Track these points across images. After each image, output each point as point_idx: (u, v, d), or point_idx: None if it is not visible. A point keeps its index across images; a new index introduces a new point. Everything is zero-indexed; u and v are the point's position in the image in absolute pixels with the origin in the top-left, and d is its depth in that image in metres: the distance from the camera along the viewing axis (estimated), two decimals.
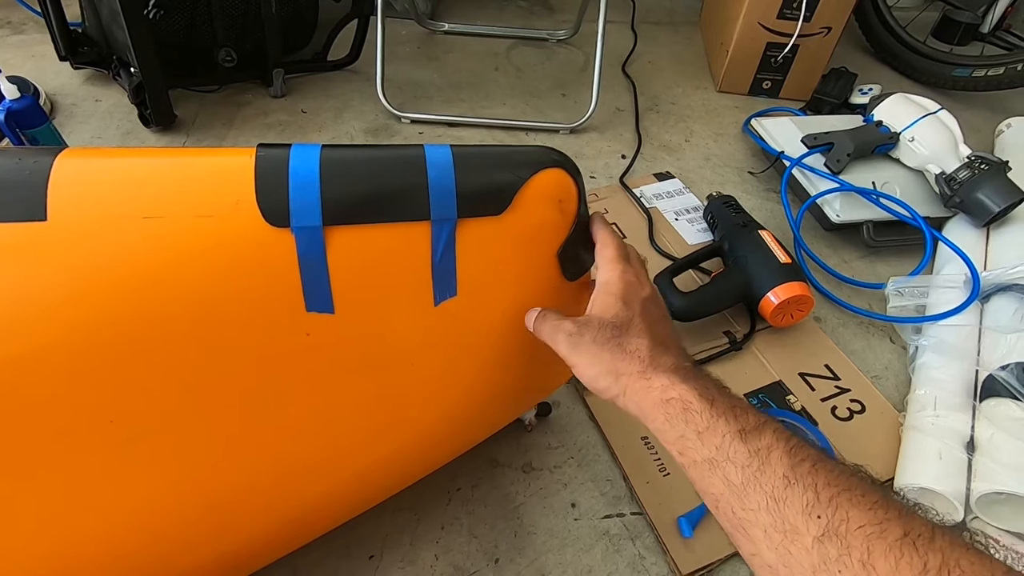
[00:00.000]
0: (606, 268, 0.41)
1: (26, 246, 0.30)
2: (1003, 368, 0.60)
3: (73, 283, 0.31)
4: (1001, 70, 1.08)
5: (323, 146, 0.37)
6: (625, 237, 0.83)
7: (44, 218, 0.31)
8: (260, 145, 0.36)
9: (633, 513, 0.56)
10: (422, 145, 0.39)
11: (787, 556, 0.27)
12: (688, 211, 0.88)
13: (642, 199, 0.89)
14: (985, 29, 1.29)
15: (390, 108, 0.99)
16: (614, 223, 0.85)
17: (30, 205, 0.31)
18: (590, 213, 0.44)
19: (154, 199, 0.33)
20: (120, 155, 0.36)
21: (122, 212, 0.32)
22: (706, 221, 0.84)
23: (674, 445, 0.34)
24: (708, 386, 0.34)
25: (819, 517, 0.27)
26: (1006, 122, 1.00)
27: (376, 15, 0.96)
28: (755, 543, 0.29)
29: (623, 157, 0.99)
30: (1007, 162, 0.81)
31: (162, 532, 0.37)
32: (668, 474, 0.57)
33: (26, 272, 0.30)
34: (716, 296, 0.71)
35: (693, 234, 0.84)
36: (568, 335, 0.38)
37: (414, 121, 1.01)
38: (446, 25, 1.26)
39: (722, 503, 0.31)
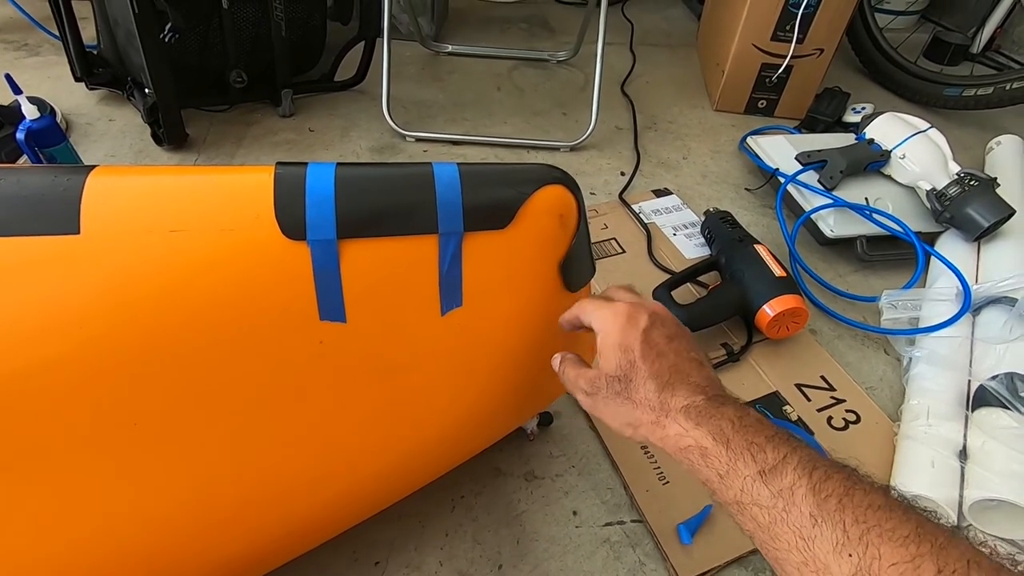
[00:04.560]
0: (597, 318, 0.40)
1: (61, 258, 0.32)
2: (993, 378, 0.62)
3: (104, 292, 0.33)
4: (990, 90, 1.11)
5: (338, 164, 0.39)
6: (624, 252, 0.85)
7: (77, 232, 0.33)
8: (279, 163, 0.38)
9: (633, 521, 0.57)
10: (430, 163, 0.41)
11: None
12: (686, 226, 0.90)
13: (641, 215, 0.91)
14: (975, 50, 1.33)
15: (395, 127, 1.02)
16: (613, 238, 0.87)
17: (64, 219, 0.33)
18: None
19: (179, 214, 0.35)
20: (148, 173, 0.38)
21: (150, 226, 0.34)
22: (703, 236, 0.86)
23: (705, 486, 0.34)
24: (723, 425, 0.34)
25: (850, 555, 0.27)
26: (996, 140, 1.02)
27: (382, 37, 0.99)
28: None
29: (622, 174, 1.01)
30: (996, 178, 0.83)
31: (176, 535, 0.38)
32: (667, 483, 0.59)
33: (61, 282, 0.32)
34: (713, 309, 0.73)
35: (691, 248, 0.86)
36: (585, 395, 0.40)
37: (419, 139, 1.04)
38: (449, 47, 1.30)
39: (756, 539, 0.31)
